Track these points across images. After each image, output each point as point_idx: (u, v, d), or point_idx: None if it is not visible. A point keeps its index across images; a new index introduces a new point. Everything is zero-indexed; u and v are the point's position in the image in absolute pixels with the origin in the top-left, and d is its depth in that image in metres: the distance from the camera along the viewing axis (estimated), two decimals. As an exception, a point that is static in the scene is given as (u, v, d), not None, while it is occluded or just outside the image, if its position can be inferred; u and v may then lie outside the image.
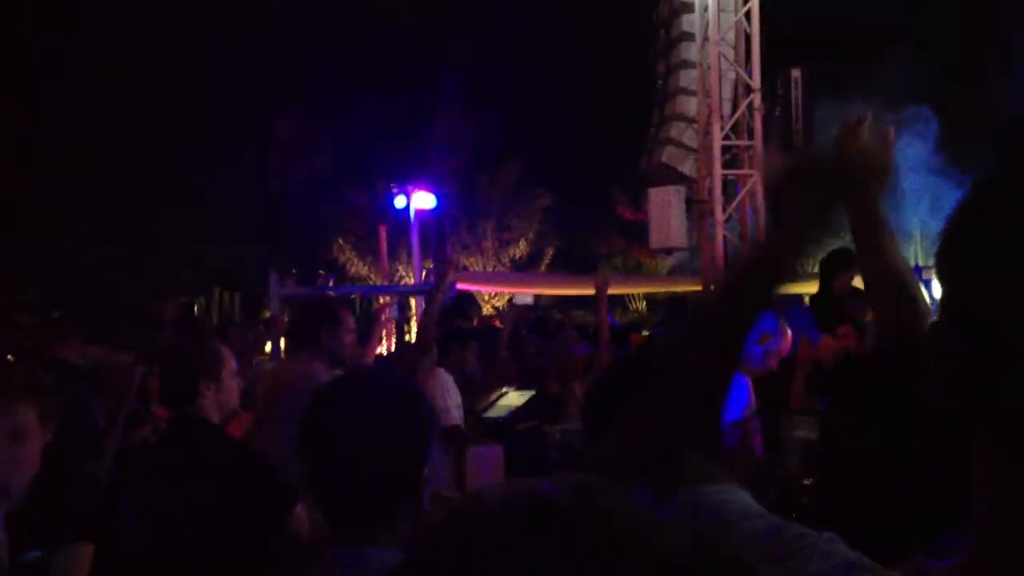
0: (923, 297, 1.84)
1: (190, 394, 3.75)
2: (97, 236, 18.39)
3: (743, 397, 4.75)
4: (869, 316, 6.58)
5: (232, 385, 4.02)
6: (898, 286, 1.83)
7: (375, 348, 5.19)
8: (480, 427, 6.06)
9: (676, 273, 21.28)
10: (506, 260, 25.38)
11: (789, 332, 5.46)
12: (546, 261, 25.93)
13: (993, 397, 0.68)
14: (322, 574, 1.78)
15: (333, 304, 5.23)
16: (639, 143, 17.22)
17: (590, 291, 15.28)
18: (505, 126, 24.26)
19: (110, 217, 18.85)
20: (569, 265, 24.75)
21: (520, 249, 25.63)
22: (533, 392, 6.27)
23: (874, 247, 1.86)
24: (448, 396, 5.67)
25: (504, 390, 6.39)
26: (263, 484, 3.76)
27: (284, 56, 24.02)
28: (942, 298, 0.77)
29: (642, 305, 23.88)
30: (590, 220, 26.05)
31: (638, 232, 25.07)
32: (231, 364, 4.10)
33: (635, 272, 25.90)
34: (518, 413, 6.06)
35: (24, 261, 17.43)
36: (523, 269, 24.79)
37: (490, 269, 24.25)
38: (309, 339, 4.62)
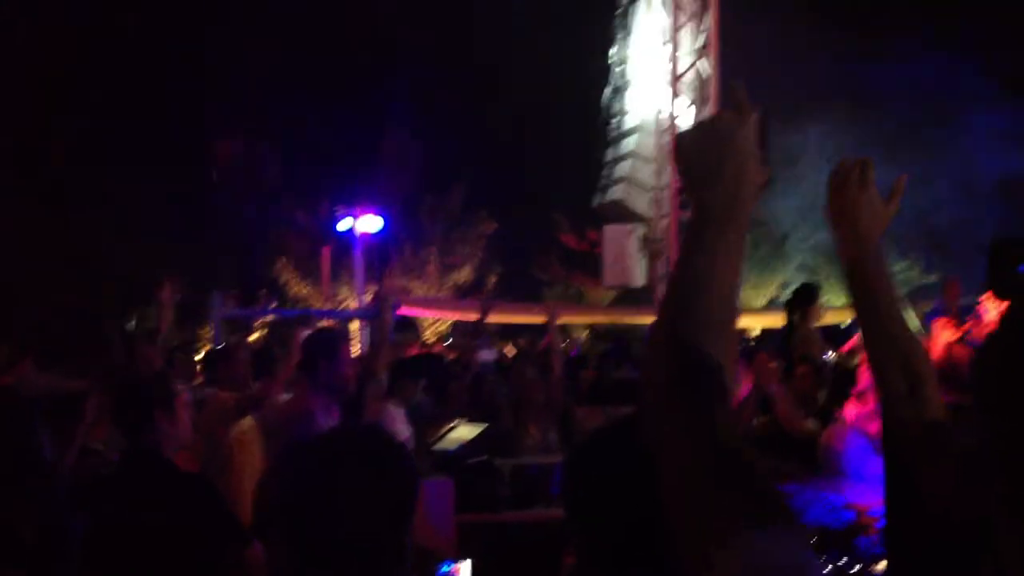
0: (927, 371, 1.66)
1: (144, 425, 3.70)
2: (22, 249, 17.95)
3: None
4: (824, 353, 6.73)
5: (185, 417, 3.97)
6: (898, 352, 1.66)
7: None
8: (429, 460, 5.99)
9: (619, 304, 21.40)
10: (450, 285, 25.31)
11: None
12: (488, 288, 25.91)
13: None
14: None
15: (332, 336, 5.27)
16: (583, 172, 17.31)
17: (536, 319, 15.28)
18: (449, 151, 24.30)
19: (35, 229, 18.42)
20: (512, 292, 24.77)
21: (464, 274, 25.58)
22: (485, 425, 6.24)
23: (872, 305, 1.68)
24: (396, 430, 5.62)
25: (455, 423, 6.35)
26: (216, 519, 3.70)
27: (227, 72, 23.80)
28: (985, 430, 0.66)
29: (584, 334, 23.98)
30: (533, 247, 26.15)
31: (581, 261, 25.23)
32: (184, 396, 4.06)
33: (577, 300, 26.02)
34: (469, 446, 6.01)
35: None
36: (466, 295, 24.74)
37: (433, 294, 24.15)
38: (308, 370, 4.69)
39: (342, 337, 5.65)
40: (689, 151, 1.27)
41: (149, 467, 3.74)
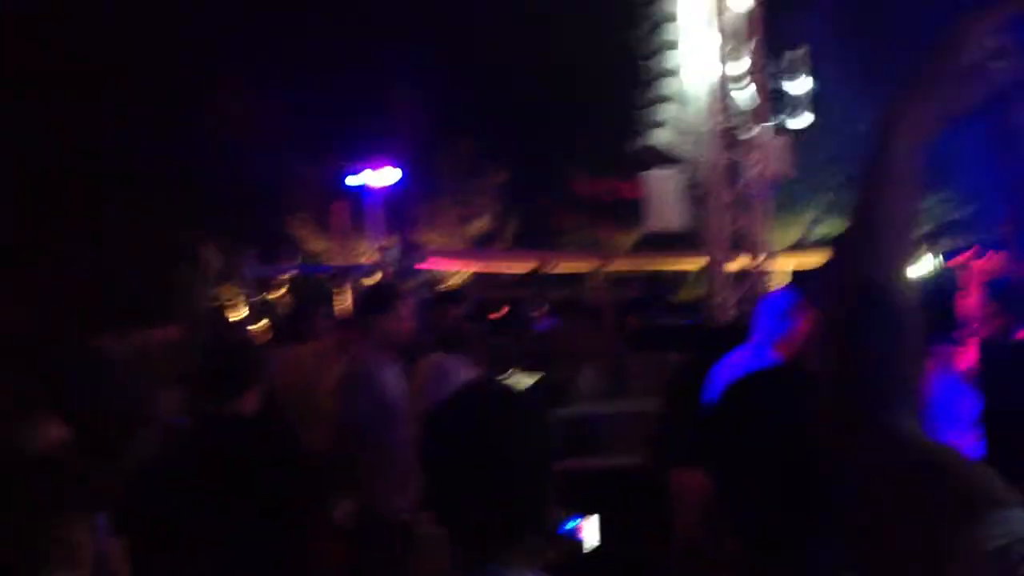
0: None
1: (234, 397, 3.69)
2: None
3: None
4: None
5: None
6: None
7: None
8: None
9: (641, 250, 21.26)
10: (467, 236, 25.25)
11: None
12: (506, 238, 25.86)
13: None
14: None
15: (387, 290, 5.22)
16: (594, 118, 17.04)
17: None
18: (461, 102, 24.03)
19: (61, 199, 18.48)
20: (528, 242, 24.71)
21: (481, 225, 25.50)
22: (541, 374, 6.24)
23: None
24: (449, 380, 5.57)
25: (509, 372, 6.33)
26: (293, 471, 3.72)
27: (229, 30, 23.52)
28: None
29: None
30: (549, 197, 25.97)
31: (595, 208, 25.09)
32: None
33: (594, 249, 25.91)
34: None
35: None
36: (483, 245, 24.69)
37: (451, 246, 24.10)
38: (361, 326, 4.68)
39: (397, 291, 5.63)
40: None
41: (237, 429, 3.74)
